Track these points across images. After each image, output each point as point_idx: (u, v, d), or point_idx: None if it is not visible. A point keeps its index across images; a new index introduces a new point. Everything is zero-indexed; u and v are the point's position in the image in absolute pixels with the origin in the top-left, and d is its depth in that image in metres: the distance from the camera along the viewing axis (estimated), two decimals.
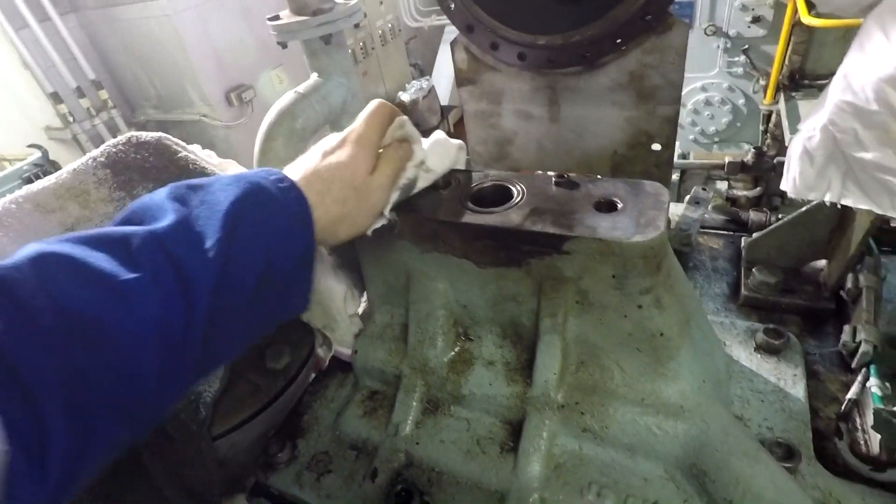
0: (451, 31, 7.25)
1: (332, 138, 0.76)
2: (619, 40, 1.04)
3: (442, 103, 6.87)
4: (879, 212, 0.67)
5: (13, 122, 4.63)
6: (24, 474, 0.40)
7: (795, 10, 2.79)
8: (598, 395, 0.82)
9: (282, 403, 0.97)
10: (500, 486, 0.83)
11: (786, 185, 0.78)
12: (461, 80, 1.27)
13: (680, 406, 0.77)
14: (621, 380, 0.81)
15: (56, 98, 4.74)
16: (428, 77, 6.89)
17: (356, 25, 1.74)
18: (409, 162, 0.83)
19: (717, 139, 3.86)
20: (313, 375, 1.08)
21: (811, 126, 0.70)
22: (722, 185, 3.53)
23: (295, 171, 0.71)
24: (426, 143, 0.88)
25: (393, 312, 1.00)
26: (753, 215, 1.20)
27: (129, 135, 0.98)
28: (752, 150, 1.49)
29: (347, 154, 0.73)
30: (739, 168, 1.50)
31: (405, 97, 6.34)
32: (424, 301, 0.92)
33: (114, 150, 0.96)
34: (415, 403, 0.93)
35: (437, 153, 0.89)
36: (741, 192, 3.25)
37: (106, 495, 0.81)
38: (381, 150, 0.79)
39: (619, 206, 0.78)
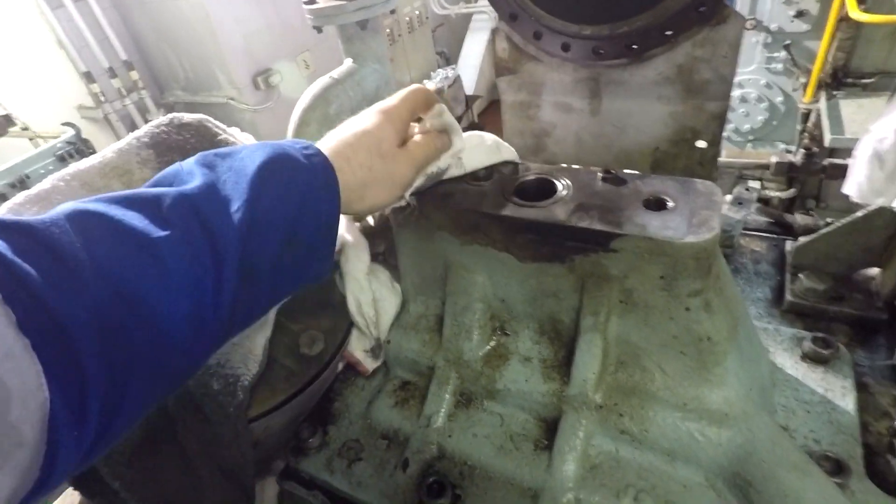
0: (479, 20, 7.19)
1: (363, 112, 0.78)
2: (669, 32, 1.01)
3: (467, 93, 6.82)
4: None
5: (48, 100, 4.73)
6: (66, 424, 0.41)
7: (843, 5, 2.68)
8: (637, 396, 0.81)
9: (314, 389, 0.98)
10: (534, 484, 0.82)
11: (850, 188, 0.74)
12: (501, 69, 1.25)
13: (725, 413, 0.75)
14: (663, 383, 0.80)
15: (89, 77, 4.83)
16: (454, 66, 6.83)
17: (392, 11, 1.72)
18: (446, 153, 0.84)
19: (751, 137, 3.74)
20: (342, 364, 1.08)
21: (884, 128, 0.66)
22: (754, 185, 3.43)
23: (324, 142, 0.72)
24: (466, 137, 0.87)
25: (428, 303, 0.99)
26: (800, 218, 1.16)
27: (171, 116, 0.99)
28: (802, 151, 1.44)
29: (373, 123, 0.74)
30: (787, 168, 1.45)
31: (430, 85, 6.31)
32: (462, 293, 0.91)
33: (156, 130, 0.96)
34: (448, 396, 0.93)
35: (475, 149, 0.89)
36: (774, 193, 3.16)
37: (143, 469, 0.83)
38: (417, 135, 0.80)
39: (670, 204, 0.75)
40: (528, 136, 1.32)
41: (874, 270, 0.99)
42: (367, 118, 0.75)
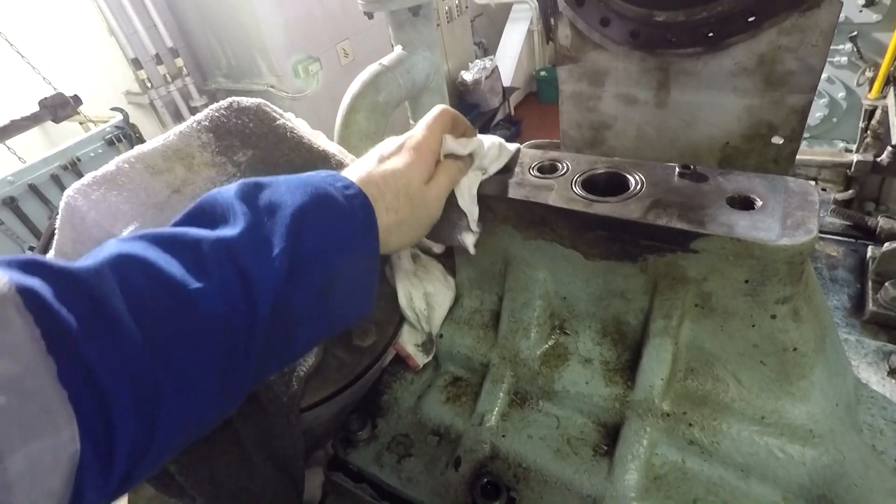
0: (519, 10, 7.07)
1: (391, 142, 0.74)
2: (752, 18, 0.94)
3: (504, 84, 6.73)
4: None
5: (98, 85, 4.88)
6: (92, 473, 0.42)
7: None
8: (709, 406, 0.76)
9: (365, 381, 0.96)
10: (593, 491, 0.79)
11: None
12: (561, 57, 1.19)
13: (809, 430, 0.69)
14: (737, 394, 0.75)
15: (136, 64, 4.96)
16: (492, 57, 6.74)
17: None
18: (471, 170, 0.80)
19: (807, 134, 3.55)
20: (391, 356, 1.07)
21: None
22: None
23: (354, 174, 0.68)
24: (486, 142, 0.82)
25: (483, 298, 0.97)
26: (884, 222, 1.08)
27: (230, 100, 0.98)
28: (890, 149, 1.34)
29: (404, 162, 0.70)
30: (871, 167, 1.35)
31: (468, 76, 6.23)
32: (522, 289, 0.88)
33: (216, 114, 0.96)
34: (502, 395, 0.90)
35: (495, 160, 0.84)
36: (832, 195, 2.99)
37: (199, 454, 0.83)
38: (443, 164, 0.75)
39: (759, 203, 0.70)
40: (587, 129, 1.27)
41: None
42: (396, 155, 0.71)
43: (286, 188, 0.60)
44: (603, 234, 0.76)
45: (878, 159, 1.30)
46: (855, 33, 3.06)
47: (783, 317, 0.68)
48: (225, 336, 0.52)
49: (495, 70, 6.38)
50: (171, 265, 0.50)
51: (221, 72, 5.52)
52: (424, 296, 0.97)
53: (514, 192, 0.81)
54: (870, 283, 0.98)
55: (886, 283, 0.94)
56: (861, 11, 2.97)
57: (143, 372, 0.46)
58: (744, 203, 0.70)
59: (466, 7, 6.44)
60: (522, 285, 0.88)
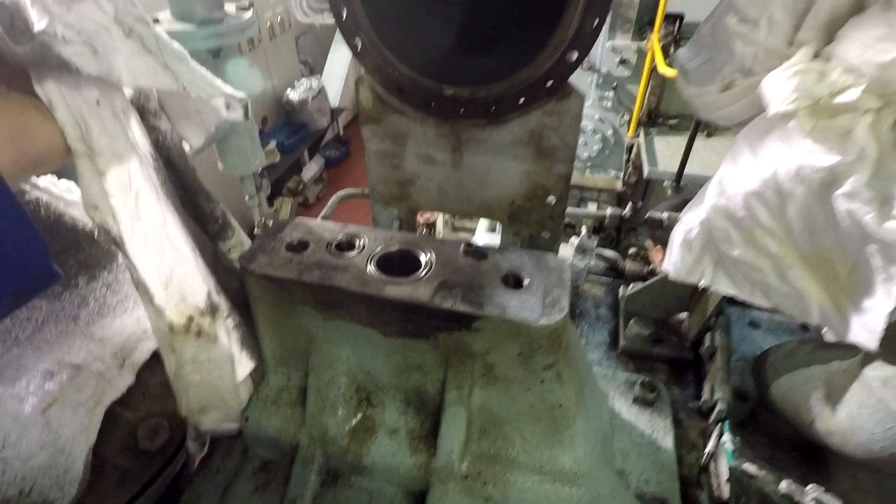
0: None
1: None
2: (522, 100, 1.08)
3: (332, 105, 6.64)
4: (742, 298, 0.78)
5: None
6: None
7: (654, 57, 3.16)
8: (500, 463, 0.84)
9: (157, 487, 0.85)
10: None
11: (666, 266, 0.87)
12: (365, 118, 1.22)
13: (575, 472, 0.82)
14: (522, 448, 0.84)
15: None
16: (318, 76, 6.61)
17: (250, 41, 1.60)
18: None
19: (589, 164, 4.25)
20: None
21: (691, 220, 0.79)
22: (592, 206, 3.89)
23: None
24: None
25: (290, 375, 0.93)
26: (630, 265, 1.33)
27: None
28: (629, 205, 1.66)
29: None
30: (618, 222, 1.67)
31: (294, 96, 6.00)
32: (326, 367, 0.87)
33: None
34: (313, 476, 0.88)
35: None
36: (610, 212, 3.60)
37: None
38: None
39: (526, 282, 0.80)
40: (393, 184, 1.32)
41: (684, 315, 1.18)
42: None
43: None
44: (397, 315, 0.79)
45: (623, 214, 1.60)
46: (616, 84, 3.75)
47: (549, 380, 0.79)
48: None
49: (322, 90, 6.27)
50: None
51: None
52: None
53: (309, 275, 0.80)
54: (622, 321, 1.20)
55: (630, 321, 1.16)
56: (618, 67, 3.65)
57: None
58: (515, 282, 0.80)
59: (290, 24, 6.22)
60: (326, 363, 0.87)
